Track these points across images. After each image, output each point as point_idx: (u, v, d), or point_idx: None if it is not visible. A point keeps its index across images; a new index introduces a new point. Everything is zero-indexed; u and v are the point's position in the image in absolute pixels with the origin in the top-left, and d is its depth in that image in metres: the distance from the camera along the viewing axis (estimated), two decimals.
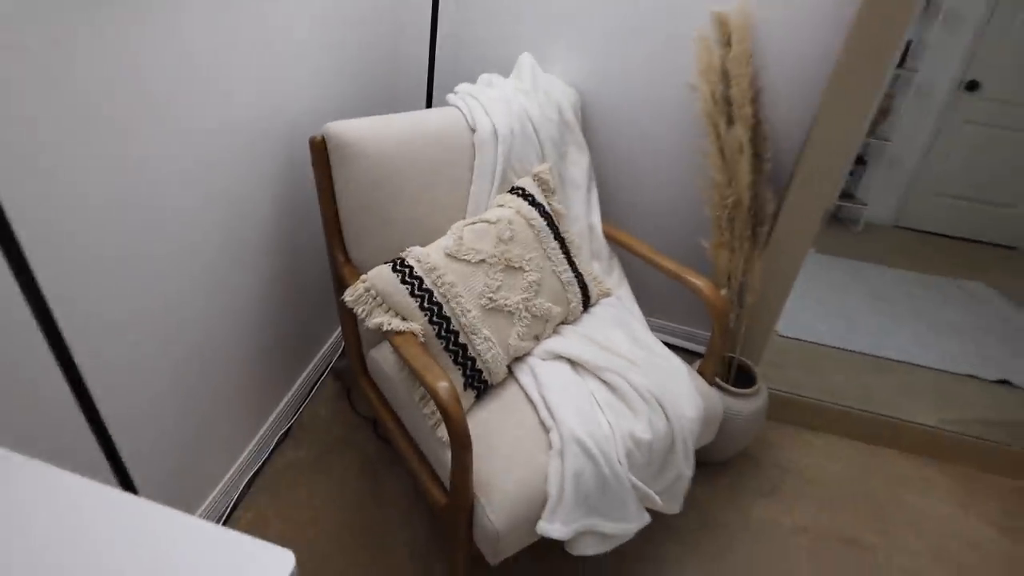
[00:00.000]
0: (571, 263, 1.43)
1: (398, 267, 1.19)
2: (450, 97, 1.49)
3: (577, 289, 1.42)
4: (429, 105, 1.68)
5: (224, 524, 1.40)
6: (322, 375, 1.83)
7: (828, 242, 2.45)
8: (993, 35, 1.75)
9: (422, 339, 1.16)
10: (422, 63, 1.76)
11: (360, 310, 1.16)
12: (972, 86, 1.91)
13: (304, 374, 1.72)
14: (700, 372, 1.41)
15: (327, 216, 1.37)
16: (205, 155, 1.13)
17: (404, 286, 1.17)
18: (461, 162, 1.42)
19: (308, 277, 1.61)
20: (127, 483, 0.97)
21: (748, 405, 1.55)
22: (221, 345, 1.31)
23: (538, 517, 1.09)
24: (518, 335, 1.28)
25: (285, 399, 1.63)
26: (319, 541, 1.38)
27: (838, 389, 1.87)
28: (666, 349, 1.39)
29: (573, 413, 1.16)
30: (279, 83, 1.31)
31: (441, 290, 1.19)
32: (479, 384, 1.22)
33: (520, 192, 1.42)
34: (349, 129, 1.28)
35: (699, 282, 1.37)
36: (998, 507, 1.63)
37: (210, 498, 1.38)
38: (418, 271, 1.19)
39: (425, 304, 1.17)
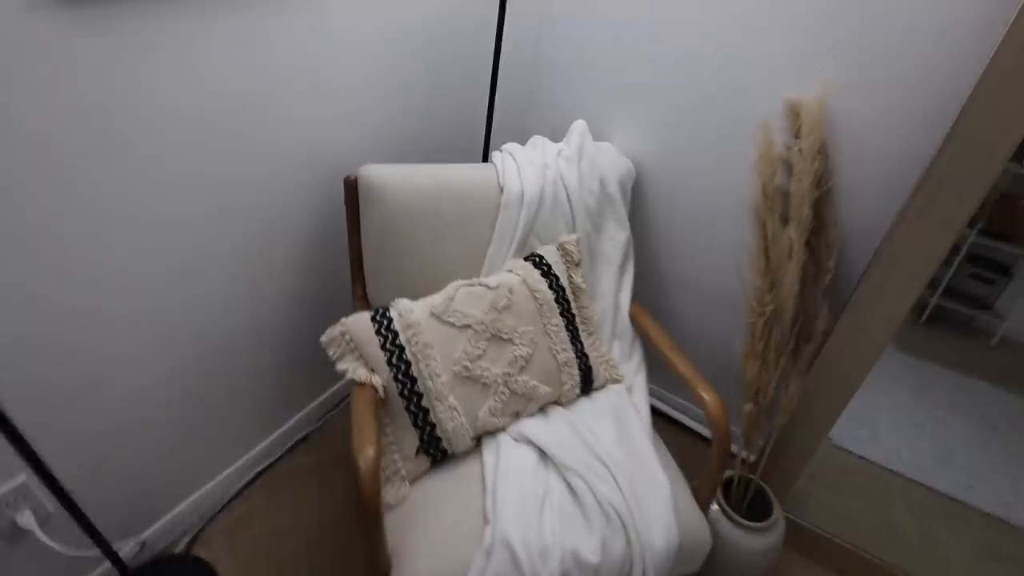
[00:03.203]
0: (576, 343, 1.21)
1: (378, 317, 1.07)
2: (494, 154, 1.35)
3: (576, 371, 1.20)
4: (485, 159, 1.55)
5: (219, 512, 1.38)
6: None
7: (949, 353, 1.93)
8: None
9: (382, 394, 1.03)
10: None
11: (332, 352, 1.05)
12: None
13: (332, 389, 1.66)
14: (694, 492, 1.11)
15: (352, 252, 1.30)
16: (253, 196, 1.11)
17: (377, 337, 1.05)
18: (484, 221, 1.27)
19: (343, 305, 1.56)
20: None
21: (756, 541, 1.21)
22: (243, 347, 1.29)
23: None
24: (490, 409, 1.09)
25: (307, 408, 1.58)
26: (286, 550, 1.30)
27: (900, 533, 1.43)
28: (656, 458, 1.11)
29: (515, 512, 0.95)
30: (331, 120, 1.26)
31: (413, 348, 1.04)
32: (436, 452, 1.06)
33: (536, 260, 1.23)
34: (376, 173, 1.19)
35: (706, 395, 1.08)
36: None
37: (212, 483, 1.36)
38: (396, 325, 1.06)
39: (393, 360, 1.04)
